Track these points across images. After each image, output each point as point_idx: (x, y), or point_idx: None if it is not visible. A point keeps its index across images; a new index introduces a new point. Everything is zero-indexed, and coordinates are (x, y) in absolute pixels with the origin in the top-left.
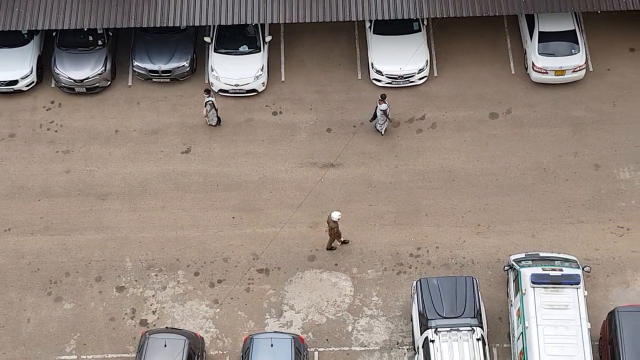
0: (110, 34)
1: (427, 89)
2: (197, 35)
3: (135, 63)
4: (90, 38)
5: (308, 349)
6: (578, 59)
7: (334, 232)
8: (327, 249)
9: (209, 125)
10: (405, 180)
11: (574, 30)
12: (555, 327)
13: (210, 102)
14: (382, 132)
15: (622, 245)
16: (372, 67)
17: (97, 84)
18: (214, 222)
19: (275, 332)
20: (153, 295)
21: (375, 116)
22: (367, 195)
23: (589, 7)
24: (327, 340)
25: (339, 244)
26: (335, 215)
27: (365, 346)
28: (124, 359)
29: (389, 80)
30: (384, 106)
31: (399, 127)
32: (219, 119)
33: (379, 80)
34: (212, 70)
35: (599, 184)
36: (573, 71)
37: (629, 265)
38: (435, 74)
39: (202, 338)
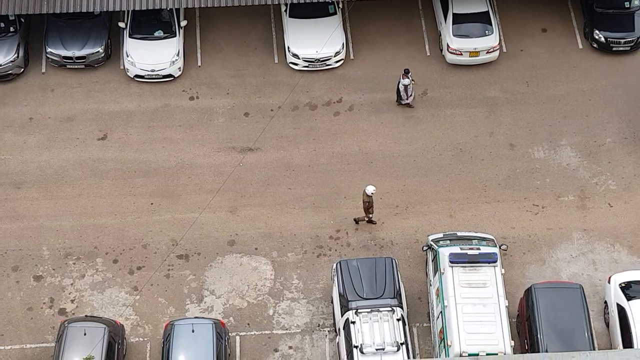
0: (22, 20)
1: (343, 71)
2: (112, 20)
3: (49, 49)
4: (2, 25)
5: (230, 334)
6: (492, 40)
7: (367, 206)
8: (354, 220)
9: None
10: (323, 163)
11: (488, 12)
12: (473, 305)
13: None
14: (410, 103)
15: (537, 223)
16: (289, 51)
17: (9, 72)
18: (132, 208)
19: (196, 317)
20: (71, 284)
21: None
22: (286, 178)
23: None
24: (248, 324)
25: (365, 220)
26: (370, 189)
27: (287, 329)
28: (43, 349)
29: (306, 64)
30: (406, 81)
31: (316, 110)
32: None
33: (296, 64)
34: (128, 56)
35: (514, 163)
36: (487, 52)
37: (544, 242)
38: (352, 57)
39: (123, 325)
